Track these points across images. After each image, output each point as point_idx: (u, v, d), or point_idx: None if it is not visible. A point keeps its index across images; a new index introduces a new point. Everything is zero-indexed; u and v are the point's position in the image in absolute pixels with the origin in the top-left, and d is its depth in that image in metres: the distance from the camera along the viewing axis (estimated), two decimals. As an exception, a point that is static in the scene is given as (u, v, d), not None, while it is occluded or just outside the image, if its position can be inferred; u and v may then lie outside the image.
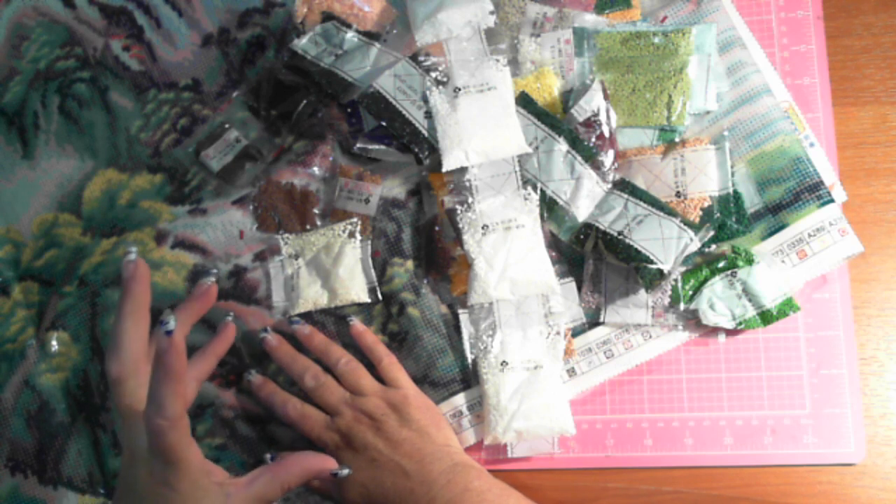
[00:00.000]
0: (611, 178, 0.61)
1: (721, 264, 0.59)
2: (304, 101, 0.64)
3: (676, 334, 0.60)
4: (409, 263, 0.64)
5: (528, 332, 0.60)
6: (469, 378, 0.62)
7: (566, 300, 0.61)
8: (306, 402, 0.61)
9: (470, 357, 0.61)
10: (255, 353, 0.64)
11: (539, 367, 0.59)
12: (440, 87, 0.62)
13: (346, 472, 0.55)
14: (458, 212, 0.61)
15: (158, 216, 0.67)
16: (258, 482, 0.52)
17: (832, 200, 0.59)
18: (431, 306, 0.63)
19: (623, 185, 0.60)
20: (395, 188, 0.65)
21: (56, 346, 0.66)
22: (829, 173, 0.60)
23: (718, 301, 0.59)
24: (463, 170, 0.62)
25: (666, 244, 0.56)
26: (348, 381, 0.61)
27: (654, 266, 0.56)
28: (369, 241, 0.64)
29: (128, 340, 0.54)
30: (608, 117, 0.61)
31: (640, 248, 0.56)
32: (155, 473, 0.49)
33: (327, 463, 0.55)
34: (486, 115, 0.61)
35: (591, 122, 0.61)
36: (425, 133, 0.62)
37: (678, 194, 0.60)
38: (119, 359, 0.53)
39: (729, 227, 0.59)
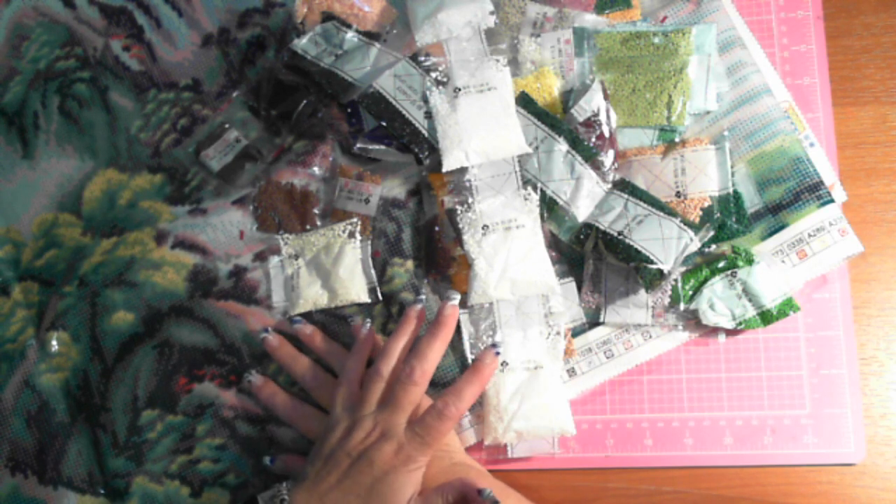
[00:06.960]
0: (611, 178, 0.61)
1: (721, 264, 0.59)
2: (304, 101, 0.64)
3: (676, 334, 0.60)
4: (409, 263, 0.64)
5: (528, 333, 0.60)
6: (469, 378, 0.62)
7: (566, 300, 0.61)
8: (307, 402, 0.61)
9: (470, 357, 0.61)
10: (256, 353, 0.64)
11: (539, 368, 0.59)
12: (440, 87, 0.62)
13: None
14: (458, 212, 0.61)
15: (158, 216, 0.67)
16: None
17: (832, 200, 0.59)
18: (431, 306, 0.63)
19: (623, 185, 0.60)
20: (395, 188, 0.65)
21: (56, 346, 0.66)
22: (829, 173, 0.60)
23: (718, 301, 0.59)
24: (463, 170, 0.62)
25: (666, 244, 0.56)
26: (349, 381, 0.61)
27: (654, 266, 0.56)
28: (369, 241, 0.64)
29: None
30: (608, 117, 0.61)
31: (640, 248, 0.56)
32: (403, 450, 0.53)
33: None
34: (486, 115, 0.61)
35: (591, 122, 0.61)
36: (425, 133, 0.62)
37: (678, 194, 0.60)
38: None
39: (729, 227, 0.59)
